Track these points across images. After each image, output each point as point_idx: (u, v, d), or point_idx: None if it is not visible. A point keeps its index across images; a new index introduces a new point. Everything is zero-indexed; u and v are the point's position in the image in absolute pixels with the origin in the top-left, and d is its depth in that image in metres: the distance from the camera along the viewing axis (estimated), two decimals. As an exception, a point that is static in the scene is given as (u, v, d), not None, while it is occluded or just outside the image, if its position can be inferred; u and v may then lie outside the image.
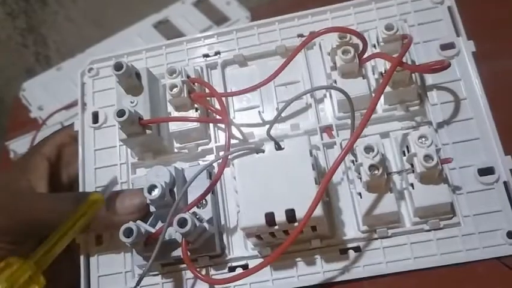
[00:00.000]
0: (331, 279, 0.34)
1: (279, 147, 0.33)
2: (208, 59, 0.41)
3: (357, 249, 0.35)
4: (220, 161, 0.35)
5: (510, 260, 0.33)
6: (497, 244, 0.33)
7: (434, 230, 0.34)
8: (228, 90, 0.40)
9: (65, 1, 1.01)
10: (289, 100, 0.32)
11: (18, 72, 0.93)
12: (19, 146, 0.60)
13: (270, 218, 0.31)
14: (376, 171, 0.32)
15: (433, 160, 0.32)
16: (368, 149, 0.33)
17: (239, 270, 0.35)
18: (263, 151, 0.33)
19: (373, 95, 0.36)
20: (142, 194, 0.35)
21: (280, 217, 0.31)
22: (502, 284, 0.32)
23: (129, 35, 0.66)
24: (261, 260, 0.35)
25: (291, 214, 0.31)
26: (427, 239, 0.34)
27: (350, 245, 0.35)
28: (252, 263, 0.35)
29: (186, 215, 0.32)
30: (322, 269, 0.34)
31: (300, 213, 0.31)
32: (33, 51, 1.01)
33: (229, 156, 0.33)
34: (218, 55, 0.41)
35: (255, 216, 0.32)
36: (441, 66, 0.33)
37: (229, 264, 0.36)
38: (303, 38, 0.40)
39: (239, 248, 0.36)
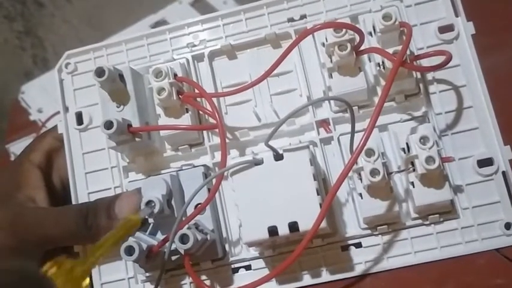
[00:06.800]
0: (334, 276, 0.35)
1: (278, 157, 0.32)
2: (194, 49, 0.39)
3: (358, 245, 0.35)
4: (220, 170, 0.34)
5: (509, 251, 0.33)
6: (496, 235, 0.34)
7: (434, 223, 0.34)
8: (218, 83, 0.38)
9: (62, 3, 0.98)
10: (288, 114, 0.30)
11: (17, 75, 0.91)
12: (20, 148, 0.58)
13: (272, 231, 0.31)
14: (377, 176, 0.32)
15: (435, 162, 0.31)
16: (369, 152, 0.32)
17: (242, 271, 0.36)
18: (261, 162, 0.32)
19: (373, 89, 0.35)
20: (139, 194, 0.34)
21: (283, 230, 0.31)
22: (502, 275, 0.32)
23: (126, 36, 0.63)
24: (263, 260, 0.35)
25: (294, 227, 0.31)
26: (427, 233, 0.34)
27: (351, 242, 0.35)
28: (254, 264, 0.36)
29: (187, 231, 0.32)
30: (325, 267, 0.35)
31: (303, 226, 0.31)
32: (31, 54, 0.99)
33: (226, 173, 0.33)
34: (204, 44, 0.39)
35: (258, 230, 0.31)
36: (444, 61, 0.32)
37: (232, 266, 0.36)
38: (294, 23, 0.38)
39: (241, 249, 0.36)
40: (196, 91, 0.36)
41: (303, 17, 0.38)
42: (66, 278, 0.29)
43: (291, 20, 0.38)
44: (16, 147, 0.60)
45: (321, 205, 0.31)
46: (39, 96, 0.64)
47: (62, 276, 0.29)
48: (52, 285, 0.28)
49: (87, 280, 0.30)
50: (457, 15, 0.36)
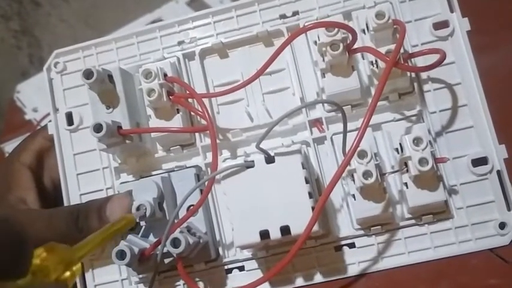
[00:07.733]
0: (327, 277, 0.35)
1: (269, 160, 0.32)
2: (184, 47, 0.38)
3: (351, 246, 0.35)
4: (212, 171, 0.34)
5: (503, 251, 0.33)
6: (490, 235, 0.34)
7: (428, 224, 0.34)
8: (209, 82, 0.38)
9: (58, 2, 0.97)
10: (280, 117, 0.30)
11: (13, 74, 0.91)
12: None
13: (264, 235, 0.31)
14: (370, 178, 0.31)
15: (428, 164, 0.31)
16: (362, 154, 0.31)
17: (236, 272, 0.36)
18: (253, 165, 0.32)
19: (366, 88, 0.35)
20: (130, 197, 0.34)
21: (274, 234, 0.31)
22: (496, 275, 0.32)
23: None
24: (256, 261, 0.35)
25: (285, 230, 0.31)
26: (421, 233, 0.34)
27: (344, 242, 0.35)
28: (247, 265, 0.35)
29: (179, 235, 0.31)
30: (318, 268, 0.35)
31: (295, 229, 0.31)
32: (27, 53, 0.99)
33: (217, 176, 0.32)
34: (195, 42, 0.38)
35: (250, 234, 0.31)
36: (438, 61, 0.32)
37: (225, 267, 0.36)
38: (286, 20, 0.37)
39: (234, 249, 0.36)
40: (187, 91, 0.35)
41: (295, 13, 0.37)
42: (57, 261, 0.28)
43: (283, 16, 0.37)
44: (11, 147, 0.60)
45: (313, 208, 0.31)
46: (34, 95, 0.64)
47: (53, 258, 0.27)
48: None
49: (79, 265, 0.29)
50: (452, 11, 0.35)
